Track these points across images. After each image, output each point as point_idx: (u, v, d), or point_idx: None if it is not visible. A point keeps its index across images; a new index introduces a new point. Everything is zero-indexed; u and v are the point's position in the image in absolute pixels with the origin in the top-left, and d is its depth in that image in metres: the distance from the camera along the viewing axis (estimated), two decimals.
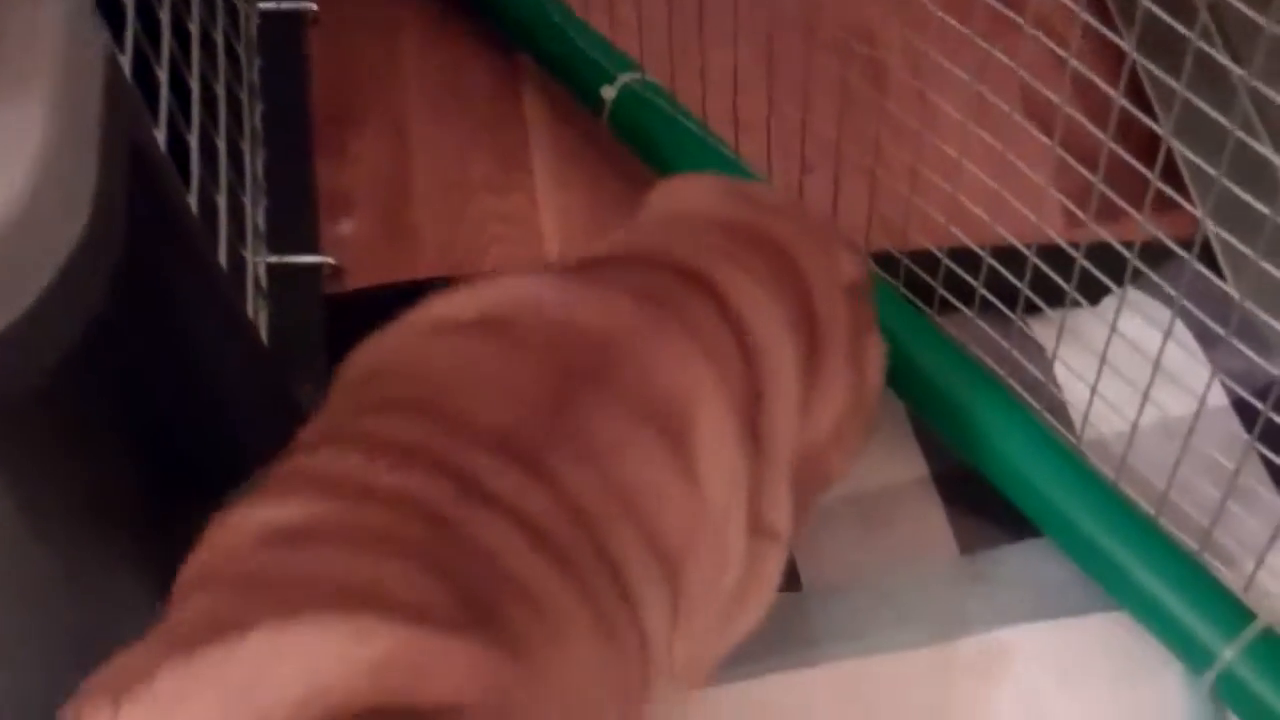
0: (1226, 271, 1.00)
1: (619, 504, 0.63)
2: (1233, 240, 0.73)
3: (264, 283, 1.02)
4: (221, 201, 0.94)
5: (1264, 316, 0.75)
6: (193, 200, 0.87)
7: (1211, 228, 0.75)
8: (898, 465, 1.03)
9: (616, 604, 0.62)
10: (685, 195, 0.86)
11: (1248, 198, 0.69)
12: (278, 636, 0.46)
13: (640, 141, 1.12)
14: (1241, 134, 0.67)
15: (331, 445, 0.64)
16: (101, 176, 0.61)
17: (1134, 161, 0.77)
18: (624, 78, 1.13)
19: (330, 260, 1.09)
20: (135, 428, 0.78)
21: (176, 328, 0.79)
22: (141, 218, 0.70)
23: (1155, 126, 0.76)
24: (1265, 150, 0.66)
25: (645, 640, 0.64)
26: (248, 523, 0.59)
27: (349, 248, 1.15)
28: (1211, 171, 0.69)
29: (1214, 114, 0.68)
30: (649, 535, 0.64)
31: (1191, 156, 0.72)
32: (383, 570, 0.55)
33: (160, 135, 0.83)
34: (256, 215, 1.04)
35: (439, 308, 0.71)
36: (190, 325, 0.81)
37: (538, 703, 0.56)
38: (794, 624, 0.95)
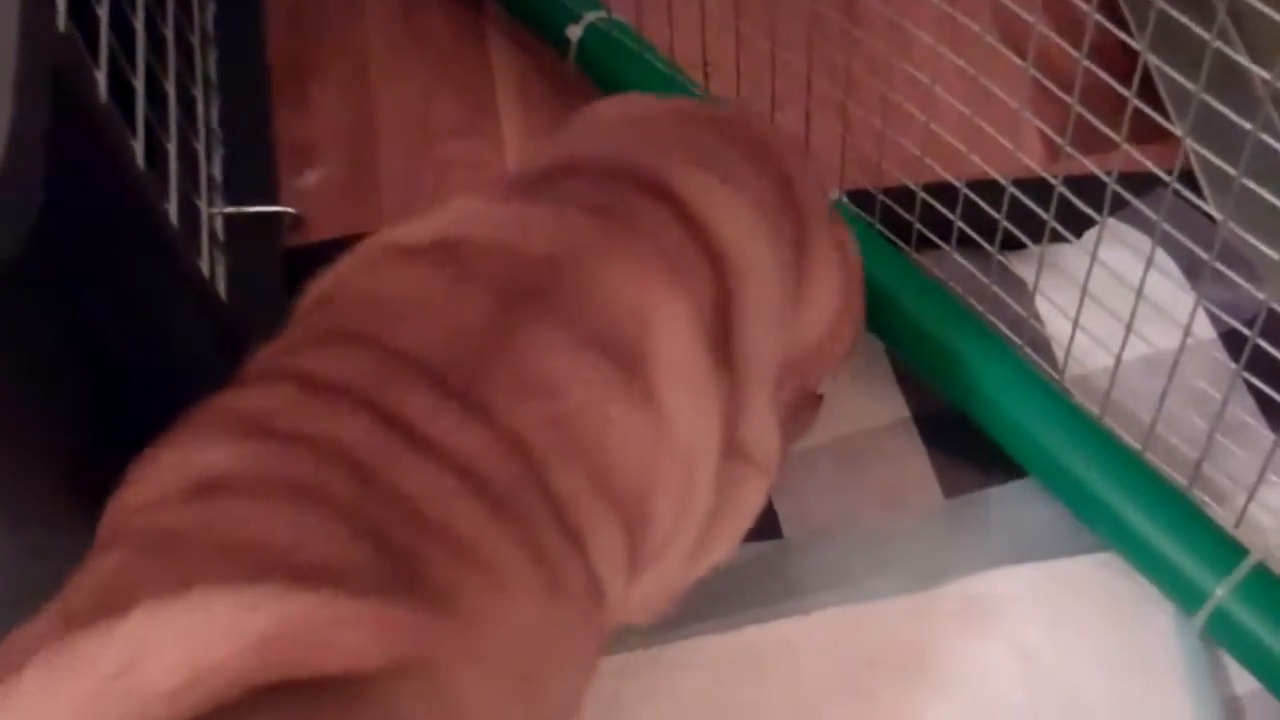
0: (1210, 199, 0.97)
1: (565, 438, 0.60)
2: (1213, 158, 0.70)
3: (221, 234, 0.99)
4: (171, 150, 0.90)
5: (1248, 239, 0.71)
6: (139, 148, 0.84)
7: (1191, 146, 0.71)
8: (878, 407, 1.00)
9: (561, 546, 0.59)
10: (638, 102, 0.82)
11: (1226, 110, 0.65)
12: (159, 614, 0.42)
13: (607, 82, 1.08)
14: (1220, 44, 0.63)
15: (264, 382, 0.60)
16: (16, 116, 0.58)
17: (1110, 79, 0.74)
18: (589, 16, 1.09)
19: (290, 210, 1.06)
20: (83, 382, 0.75)
21: (121, 278, 0.76)
22: (74, 163, 0.67)
23: (1131, 41, 0.72)
24: (1242, 59, 0.63)
25: (595, 581, 0.61)
26: (167, 469, 0.56)
27: (312, 199, 1.12)
28: (1189, 86, 0.66)
29: (1190, 25, 0.65)
30: (599, 470, 0.61)
31: (1168, 70, 0.69)
32: (301, 526, 0.52)
33: (101, 78, 0.80)
34: (212, 165, 1.01)
35: (392, 233, 0.68)
36: (136, 276, 0.78)
37: (471, 658, 0.53)
38: (775, 572, 0.93)
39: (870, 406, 1.00)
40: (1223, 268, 0.76)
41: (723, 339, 0.68)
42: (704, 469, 0.67)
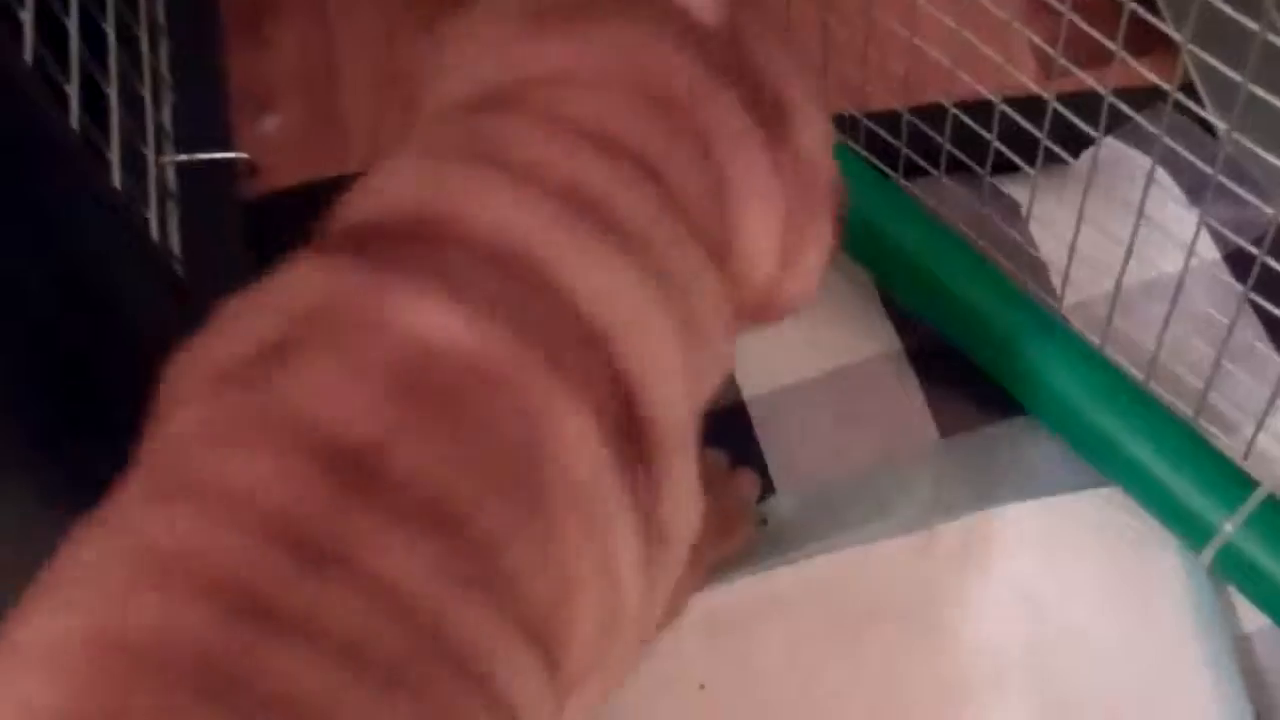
0: (1213, 111, 0.92)
1: (457, 577, 0.49)
2: (1217, 64, 0.65)
3: (172, 185, 0.94)
4: (112, 95, 0.86)
5: (1255, 149, 0.67)
6: (73, 92, 0.79)
7: (1193, 53, 0.67)
8: (868, 342, 0.95)
9: (471, 699, 0.49)
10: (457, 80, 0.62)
11: (1229, 10, 0.61)
12: None
13: None
14: None
15: (92, 564, 0.48)
16: None
17: None
18: None
19: (244, 155, 1.01)
20: (20, 356, 0.71)
21: (54, 238, 0.72)
22: None
23: None
24: None
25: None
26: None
27: (273, 145, 1.07)
28: None
29: None
30: (504, 603, 0.50)
31: None
32: None
33: (26, 17, 0.75)
34: (160, 112, 0.96)
35: (214, 345, 0.54)
36: (72, 234, 0.74)
37: None
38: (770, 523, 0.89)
39: (860, 341, 0.96)
40: (1228, 182, 0.71)
41: (627, 424, 0.56)
42: (630, 586, 0.56)
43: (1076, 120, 0.79)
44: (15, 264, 0.68)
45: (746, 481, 0.89)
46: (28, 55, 0.74)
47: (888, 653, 0.84)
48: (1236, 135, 0.66)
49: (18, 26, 0.73)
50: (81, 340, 0.74)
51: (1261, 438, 0.82)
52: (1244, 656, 0.84)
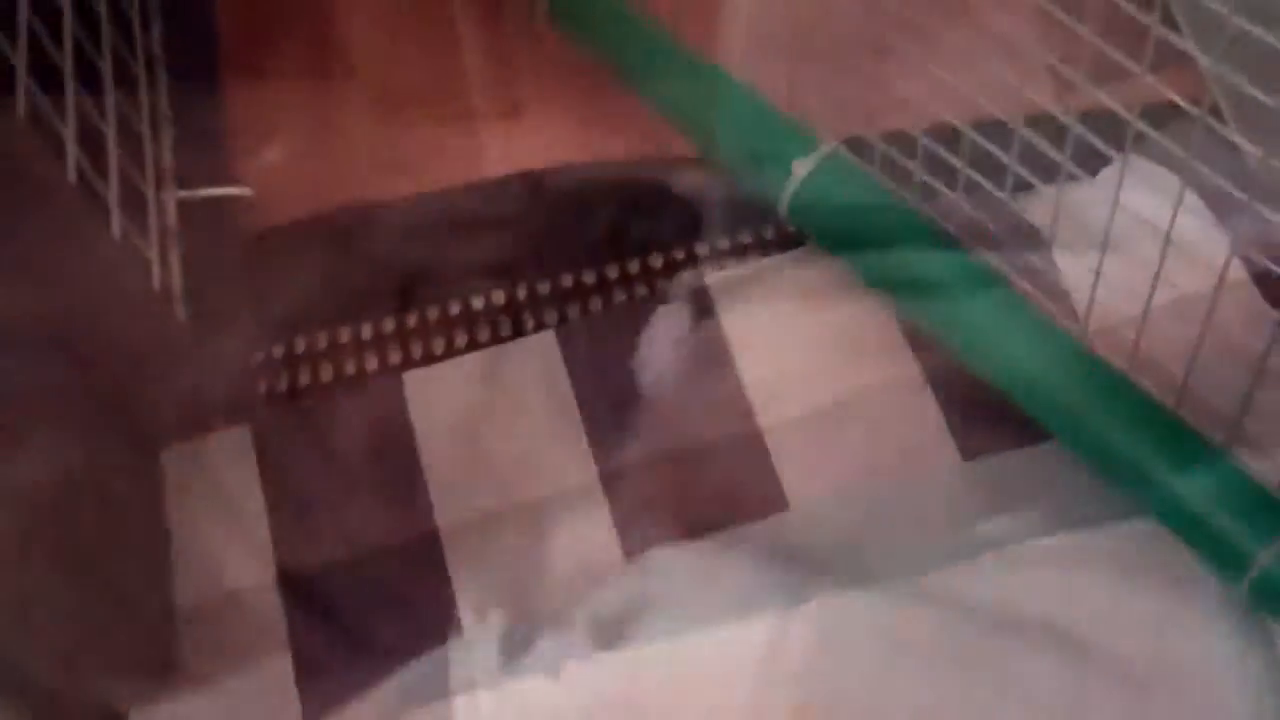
0: (1236, 129, 0.90)
1: None
2: (1243, 84, 0.63)
3: (173, 222, 0.92)
4: (110, 133, 0.84)
5: None
6: (69, 134, 0.78)
7: (1219, 75, 0.65)
8: (886, 365, 0.93)
9: None
10: None
11: (1262, 34, 0.58)
12: None
13: (579, 30, 1.02)
14: None
15: None
16: None
17: (1124, 4, 0.67)
18: None
19: (246, 190, 0.99)
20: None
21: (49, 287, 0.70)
22: None
23: None
24: None
25: None
26: None
27: (275, 176, 1.05)
28: (1220, 10, 0.59)
29: None
30: None
31: None
32: None
33: (19, 64, 0.73)
34: (160, 149, 0.94)
35: None
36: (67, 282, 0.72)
37: None
38: (782, 555, 0.87)
39: (878, 364, 0.94)
40: (1264, 210, 0.69)
41: None
42: None
43: (1097, 142, 0.77)
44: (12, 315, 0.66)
45: None
46: (21, 99, 0.73)
47: (918, 696, 0.82)
48: (1273, 162, 0.64)
49: (10, 70, 0.72)
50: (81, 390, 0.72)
51: None
52: None
